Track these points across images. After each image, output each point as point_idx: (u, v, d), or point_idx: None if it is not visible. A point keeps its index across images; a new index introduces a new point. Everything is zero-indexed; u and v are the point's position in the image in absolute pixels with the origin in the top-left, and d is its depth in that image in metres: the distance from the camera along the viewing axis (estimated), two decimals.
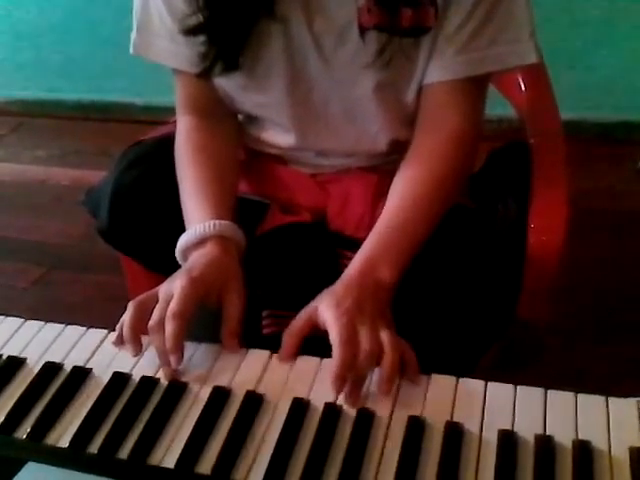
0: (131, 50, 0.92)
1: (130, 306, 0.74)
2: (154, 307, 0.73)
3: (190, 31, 0.84)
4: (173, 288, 0.73)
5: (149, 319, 0.72)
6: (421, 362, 0.70)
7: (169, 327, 0.70)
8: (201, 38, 0.84)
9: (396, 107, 0.90)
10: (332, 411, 0.65)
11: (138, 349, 0.73)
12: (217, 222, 0.81)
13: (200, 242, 0.80)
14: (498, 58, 0.84)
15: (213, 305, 0.77)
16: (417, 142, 0.88)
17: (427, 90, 0.87)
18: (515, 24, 0.82)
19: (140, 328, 0.73)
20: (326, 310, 0.71)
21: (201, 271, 0.76)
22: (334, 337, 0.69)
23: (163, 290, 0.75)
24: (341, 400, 0.67)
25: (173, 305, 0.72)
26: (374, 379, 0.68)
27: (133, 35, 0.91)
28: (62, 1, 2.42)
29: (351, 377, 0.67)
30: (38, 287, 1.78)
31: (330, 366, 0.67)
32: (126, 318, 0.73)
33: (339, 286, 0.75)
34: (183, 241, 0.81)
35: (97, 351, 0.75)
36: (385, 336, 0.69)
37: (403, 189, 0.85)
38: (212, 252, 0.79)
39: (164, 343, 0.70)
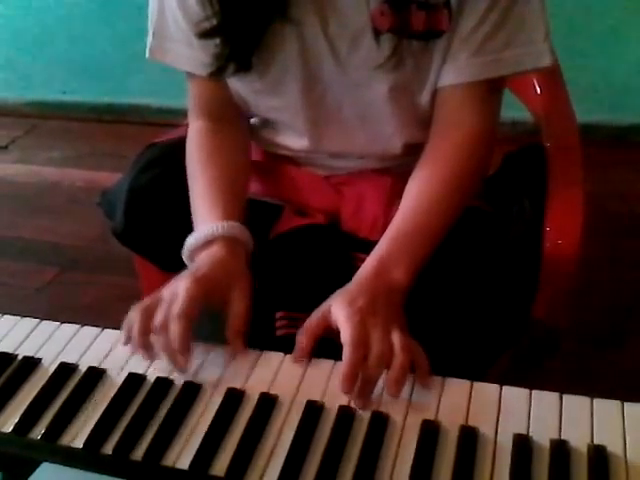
0: (147, 55, 0.92)
1: (137, 313, 0.73)
2: None
3: (205, 34, 0.85)
4: (177, 289, 0.73)
5: None
6: (434, 365, 0.70)
7: (173, 328, 0.70)
8: (216, 41, 0.85)
9: (410, 110, 0.90)
10: (346, 414, 0.65)
11: (152, 354, 0.72)
12: (224, 223, 0.81)
13: (207, 243, 0.80)
14: (513, 61, 0.83)
15: (218, 305, 0.77)
16: (432, 144, 0.88)
17: (442, 93, 0.87)
18: (529, 27, 0.82)
19: (149, 333, 0.72)
20: (339, 309, 0.71)
21: (206, 271, 0.76)
22: (345, 336, 0.68)
23: (167, 292, 0.74)
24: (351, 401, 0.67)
25: (177, 306, 0.71)
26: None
27: (149, 40, 0.92)
28: (77, 4, 2.43)
29: (361, 378, 0.67)
30: (52, 288, 1.79)
31: (340, 366, 0.67)
32: (134, 326, 0.72)
33: (352, 286, 0.75)
34: (190, 242, 0.81)
35: (112, 352, 0.75)
36: (396, 338, 0.69)
37: (417, 191, 0.85)
38: (218, 253, 0.79)
39: (169, 344, 0.70)
